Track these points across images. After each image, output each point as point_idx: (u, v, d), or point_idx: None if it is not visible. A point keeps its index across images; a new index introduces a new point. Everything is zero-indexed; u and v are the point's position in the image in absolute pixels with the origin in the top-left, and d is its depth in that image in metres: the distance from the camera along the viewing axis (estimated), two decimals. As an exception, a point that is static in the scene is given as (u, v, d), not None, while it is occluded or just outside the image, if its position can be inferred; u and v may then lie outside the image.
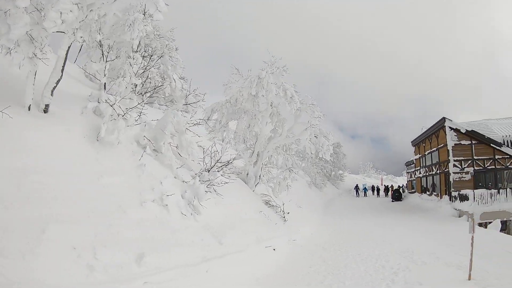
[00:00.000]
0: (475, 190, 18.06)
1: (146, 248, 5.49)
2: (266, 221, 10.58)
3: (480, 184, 20.91)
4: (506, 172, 21.46)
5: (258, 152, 13.95)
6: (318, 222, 16.92)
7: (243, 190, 12.06)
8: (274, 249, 9.32)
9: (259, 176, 13.63)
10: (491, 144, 21.45)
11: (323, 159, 38.27)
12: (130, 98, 8.34)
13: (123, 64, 9.54)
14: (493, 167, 21.34)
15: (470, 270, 7.30)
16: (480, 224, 16.47)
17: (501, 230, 15.09)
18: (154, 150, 8.44)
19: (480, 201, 17.62)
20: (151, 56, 12.68)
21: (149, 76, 13.08)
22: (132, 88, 9.50)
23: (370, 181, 63.28)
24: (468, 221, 16.97)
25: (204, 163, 9.43)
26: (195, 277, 5.86)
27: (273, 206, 12.72)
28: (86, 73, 11.87)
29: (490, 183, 20.94)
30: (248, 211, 10.05)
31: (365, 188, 41.58)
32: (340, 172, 46.36)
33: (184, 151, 8.87)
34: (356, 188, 40.35)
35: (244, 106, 13.37)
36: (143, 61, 10.23)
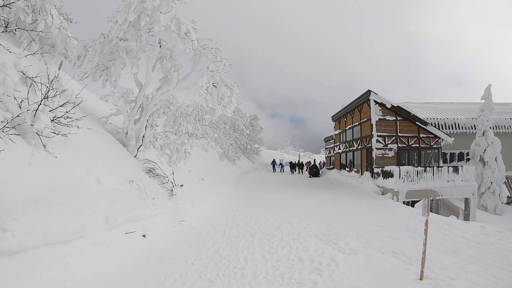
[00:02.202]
0: (401, 167, 16.76)
1: None
2: (138, 195, 7.39)
3: (403, 162, 20.28)
4: (430, 152, 20.97)
5: (142, 105, 10.71)
6: (225, 198, 14.79)
7: (114, 152, 8.72)
8: (144, 236, 6.50)
9: (143, 136, 10.41)
10: (417, 122, 20.90)
11: (237, 131, 36.11)
12: None
13: None
14: (417, 145, 20.85)
15: (423, 267, 5.23)
16: (405, 203, 15.37)
17: (427, 210, 13.93)
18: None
19: (406, 178, 16.39)
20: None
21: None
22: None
23: (288, 157, 63.53)
24: (392, 198, 15.75)
25: (30, 101, 5.93)
26: None
27: (158, 175, 9.62)
28: None
29: (413, 161, 20.32)
30: (106, 180, 6.68)
31: (281, 163, 40.78)
32: (256, 146, 44.91)
33: (-8, 78, 5.47)
34: (273, 163, 40.10)
35: (127, 45, 9.91)
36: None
